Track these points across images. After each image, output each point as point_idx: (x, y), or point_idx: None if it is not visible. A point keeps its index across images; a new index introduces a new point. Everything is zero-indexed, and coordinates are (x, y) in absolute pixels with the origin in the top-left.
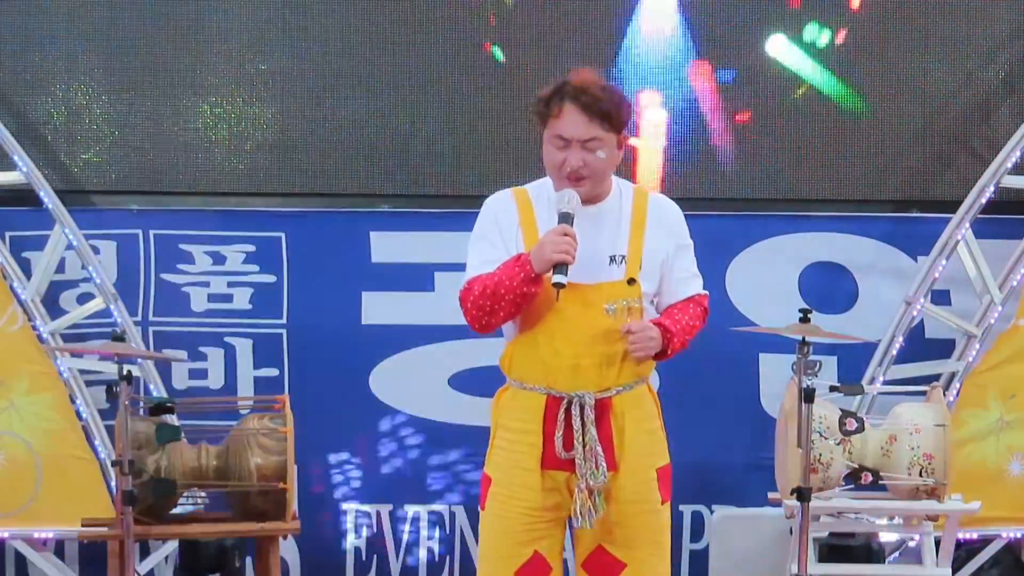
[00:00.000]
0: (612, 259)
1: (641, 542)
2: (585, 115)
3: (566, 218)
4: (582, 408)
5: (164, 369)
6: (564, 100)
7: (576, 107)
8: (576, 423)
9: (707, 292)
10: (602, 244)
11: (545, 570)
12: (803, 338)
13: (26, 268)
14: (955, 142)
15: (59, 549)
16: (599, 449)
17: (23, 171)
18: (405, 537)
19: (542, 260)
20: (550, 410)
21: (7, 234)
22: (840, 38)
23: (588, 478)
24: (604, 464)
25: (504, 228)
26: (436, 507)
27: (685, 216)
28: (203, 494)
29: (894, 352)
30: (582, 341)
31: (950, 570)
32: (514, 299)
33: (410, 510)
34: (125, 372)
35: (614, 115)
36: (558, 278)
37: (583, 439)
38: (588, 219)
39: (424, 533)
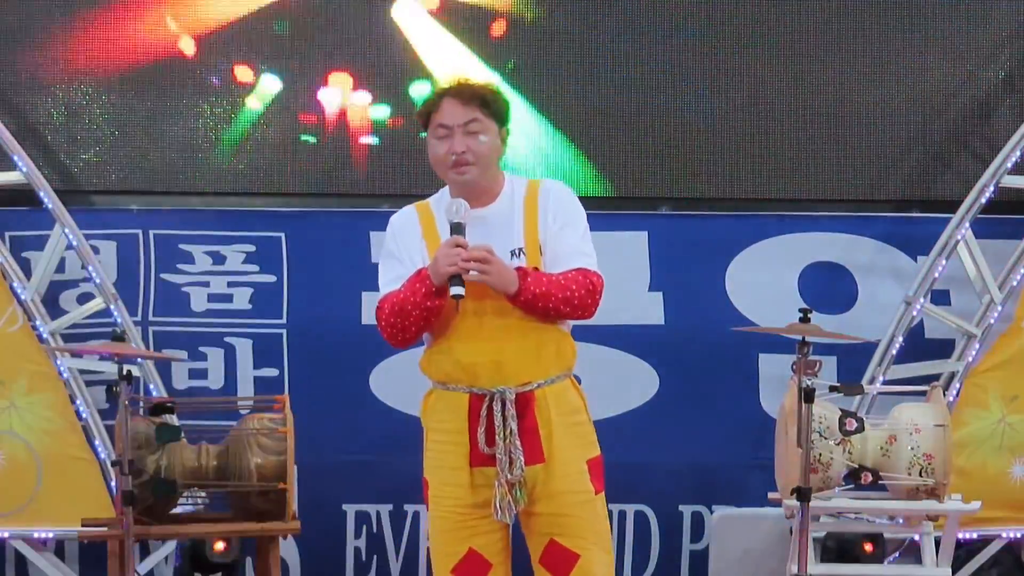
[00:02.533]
0: (512, 253)
1: (589, 531)
2: (461, 101)
3: (457, 228)
4: (503, 404)
5: (164, 369)
6: (441, 97)
7: (452, 97)
8: (498, 419)
9: (599, 273)
10: (500, 241)
11: (483, 567)
12: (803, 338)
13: (26, 268)
14: (955, 142)
15: (59, 549)
16: (517, 443)
17: (23, 171)
18: (405, 537)
19: (438, 274)
20: (474, 408)
21: (7, 234)
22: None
23: (506, 472)
24: (521, 459)
25: (407, 243)
26: None
27: (685, 216)
28: (203, 494)
29: (894, 352)
30: (497, 337)
31: (950, 570)
32: (420, 314)
33: (410, 510)
34: (125, 372)
35: (491, 100)
36: (456, 290)
37: (504, 433)
38: (482, 221)
39: (424, 533)
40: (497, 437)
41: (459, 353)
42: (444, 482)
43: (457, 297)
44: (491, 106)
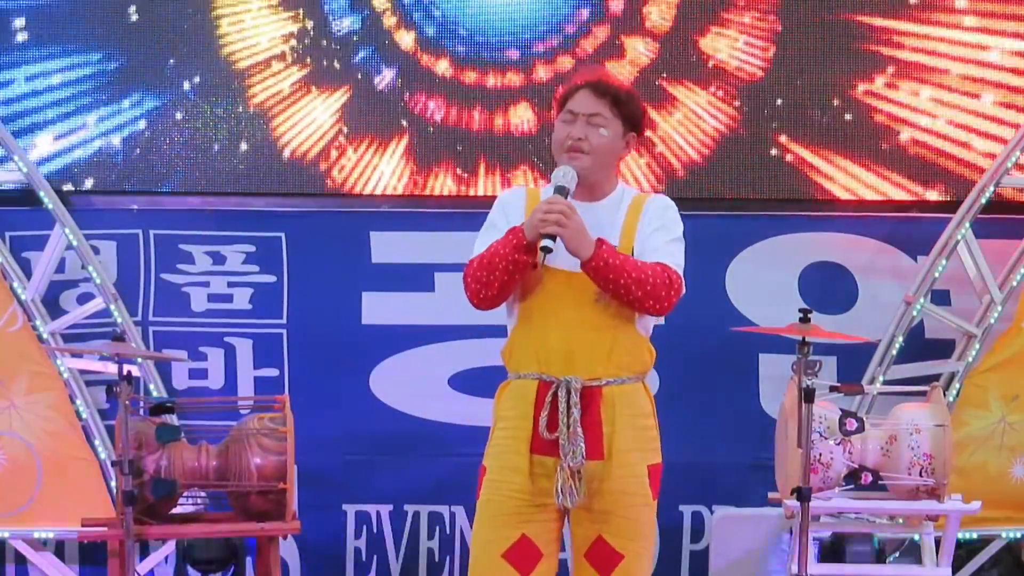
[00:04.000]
0: None
1: (637, 535)
2: (594, 93)
3: (561, 191)
4: (568, 392)
5: (164, 369)
6: (580, 86)
7: (588, 88)
8: (562, 405)
9: (682, 277)
10: (596, 235)
11: (534, 555)
12: (803, 338)
13: (26, 268)
14: (955, 142)
15: (59, 549)
16: (579, 431)
17: (23, 171)
18: (405, 537)
19: (532, 228)
20: (540, 395)
21: (7, 234)
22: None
23: (568, 458)
24: (583, 446)
25: (511, 215)
26: (436, 507)
27: (685, 216)
28: (203, 494)
29: (894, 352)
30: (572, 328)
31: (950, 570)
32: (506, 267)
33: (410, 510)
34: (125, 372)
35: (623, 100)
36: (546, 242)
37: (567, 420)
38: (584, 214)
39: (424, 533)
40: (560, 423)
41: (534, 337)
42: (504, 467)
43: (545, 250)
44: (621, 106)
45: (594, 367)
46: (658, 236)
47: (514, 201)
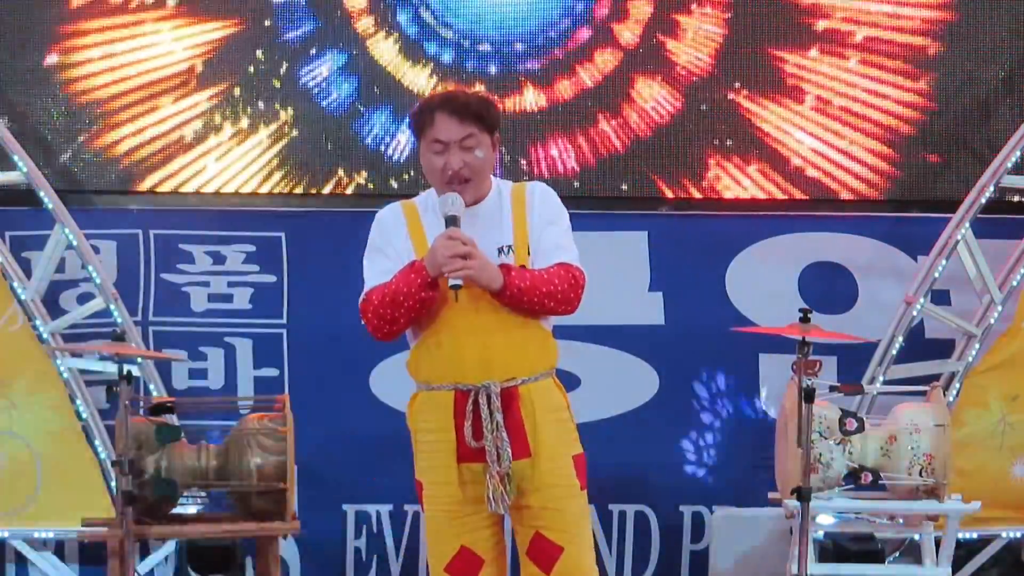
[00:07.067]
0: (500, 250)
1: (572, 525)
2: (457, 117)
3: (452, 220)
4: (489, 398)
5: (164, 369)
6: (435, 110)
7: (447, 113)
8: (484, 412)
9: (581, 268)
10: (488, 238)
11: (475, 563)
12: (803, 338)
13: (26, 268)
14: (955, 142)
15: (59, 549)
16: (504, 435)
17: (23, 171)
18: (405, 537)
19: (435, 265)
20: (459, 405)
21: (7, 234)
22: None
23: (495, 464)
24: (508, 451)
25: (394, 239)
26: None
27: (685, 216)
28: (203, 494)
29: (894, 352)
30: (484, 333)
31: (950, 570)
32: (413, 305)
33: (410, 510)
34: (125, 372)
35: (485, 115)
36: (454, 281)
37: (491, 426)
38: (470, 218)
39: (423, 533)
40: (485, 430)
41: (447, 348)
42: (434, 480)
43: (455, 288)
44: (485, 120)
45: (510, 368)
46: (551, 232)
47: (393, 221)
